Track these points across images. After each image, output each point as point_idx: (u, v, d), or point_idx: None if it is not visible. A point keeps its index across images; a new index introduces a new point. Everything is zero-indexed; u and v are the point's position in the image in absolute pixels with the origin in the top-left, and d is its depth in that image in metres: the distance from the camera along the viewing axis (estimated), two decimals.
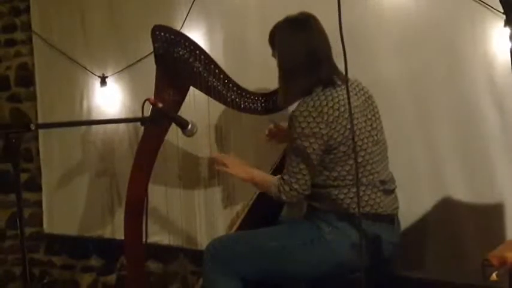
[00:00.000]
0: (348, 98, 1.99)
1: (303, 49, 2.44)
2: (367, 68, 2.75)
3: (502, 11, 1.61)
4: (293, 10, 2.52)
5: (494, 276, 1.83)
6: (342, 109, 2.36)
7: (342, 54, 1.69)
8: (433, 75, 2.70)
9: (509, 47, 1.62)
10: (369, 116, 2.48)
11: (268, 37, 2.58)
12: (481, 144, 2.60)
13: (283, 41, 2.51)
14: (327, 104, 2.36)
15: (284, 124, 2.79)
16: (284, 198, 2.47)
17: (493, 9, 2.48)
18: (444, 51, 2.66)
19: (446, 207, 2.70)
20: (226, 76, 2.77)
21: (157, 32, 2.75)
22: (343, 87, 2.41)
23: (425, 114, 2.74)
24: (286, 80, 2.51)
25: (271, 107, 2.78)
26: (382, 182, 2.46)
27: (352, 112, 2.37)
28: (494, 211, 2.57)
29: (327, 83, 2.41)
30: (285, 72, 2.50)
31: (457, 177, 2.68)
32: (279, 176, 2.50)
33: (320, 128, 2.34)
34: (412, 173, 2.76)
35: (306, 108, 2.36)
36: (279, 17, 2.54)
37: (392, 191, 2.53)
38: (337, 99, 2.37)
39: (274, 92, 2.75)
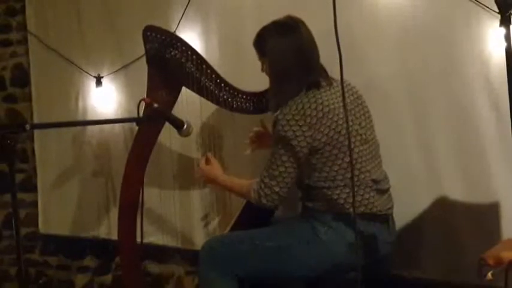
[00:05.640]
0: (343, 99, 1.97)
1: (292, 53, 2.44)
2: (362, 69, 2.76)
3: (497, 10, 1.61)
4: (288, 11, 2.52)
5: (490, 275, 1.84)
6: (326, 110, 2.36)
7: (337, 55, 1.69)
8: (428, 75, 2.69)
9: (505, 46, 1.62)
10: (357, 115, 2.48)
11: (254, 41, 2.56)
12: (477, 144, 2.60)
13: (273, 45, 2.49)
14: (310, 107, 2.35)
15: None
16: (264, 202, 2.46)
17: (488, 9, 2.48)
18: (440, 51, 2.66)
19: (442, 207, 2.70)
20: (218, 76, 2.77)
21: (149, 33, 2.75)
22: (327, 88, 2.42)
23: (421, 114, 2.74)
24: (276, 84, 2.50)
25: (263, 106, 2.77)
26: (375, 181, 2.46)
27: (338, 113, 2.37)
28: (490, 210, 2.57)
29: (310, 85, 2.42)
30: (276, 76, 2.50)
31: (452, 176, 2.68)
32: (255, 180, 2.49)
33: (303, 131, 2.34)
34: (408, 172, 2.76)
35: (288, 111, 2.36)
36: (275, 17, 2.54)
37: (386, 191, 2.53)
38: (320, 101, 2.37)
39: (266, 92, 2.75)
